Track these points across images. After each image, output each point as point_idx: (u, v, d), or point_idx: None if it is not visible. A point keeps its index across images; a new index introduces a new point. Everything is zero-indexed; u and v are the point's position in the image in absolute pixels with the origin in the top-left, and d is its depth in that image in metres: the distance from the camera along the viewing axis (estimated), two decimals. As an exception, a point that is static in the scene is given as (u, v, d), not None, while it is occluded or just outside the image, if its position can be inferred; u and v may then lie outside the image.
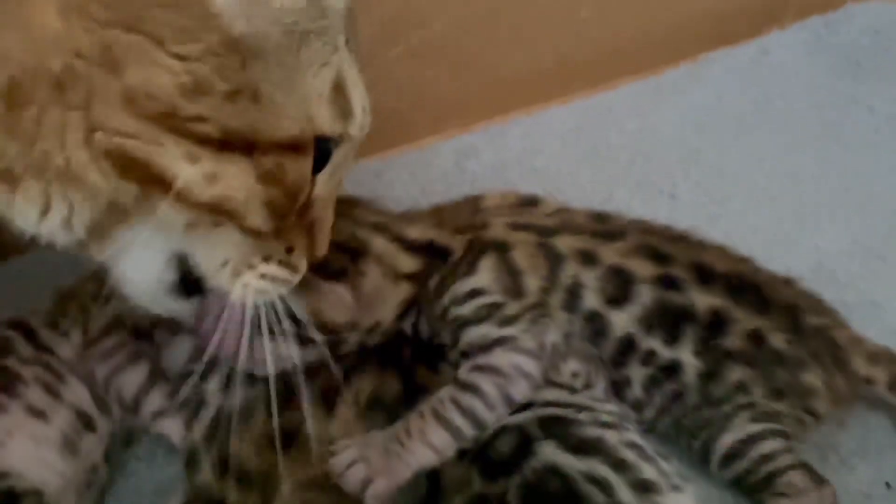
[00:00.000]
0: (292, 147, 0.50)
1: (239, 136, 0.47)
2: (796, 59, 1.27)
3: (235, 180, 0.48)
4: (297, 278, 0.57)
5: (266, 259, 0.53)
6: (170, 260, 0.54)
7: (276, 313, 0.57)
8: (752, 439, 0.68)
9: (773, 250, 0.84)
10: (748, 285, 0.73)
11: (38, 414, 0.68)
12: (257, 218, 0.50)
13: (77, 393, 0.71)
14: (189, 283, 0.54)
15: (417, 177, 1.07)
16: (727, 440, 0.69)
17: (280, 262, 0.54)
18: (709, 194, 1.03)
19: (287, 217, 0.52)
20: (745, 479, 0.69)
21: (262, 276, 0.54)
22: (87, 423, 0.71)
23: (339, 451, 0.63)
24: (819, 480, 0.67)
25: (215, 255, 0.53)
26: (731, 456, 0.69)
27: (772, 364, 0.70)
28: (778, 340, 0.70)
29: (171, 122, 0.46)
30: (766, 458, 0.68)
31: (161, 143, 0.46)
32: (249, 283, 0.53)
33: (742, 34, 1.31)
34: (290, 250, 0.55)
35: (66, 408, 0.70)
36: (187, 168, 0.46)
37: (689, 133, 1.14)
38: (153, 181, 0.47)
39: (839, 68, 1.25)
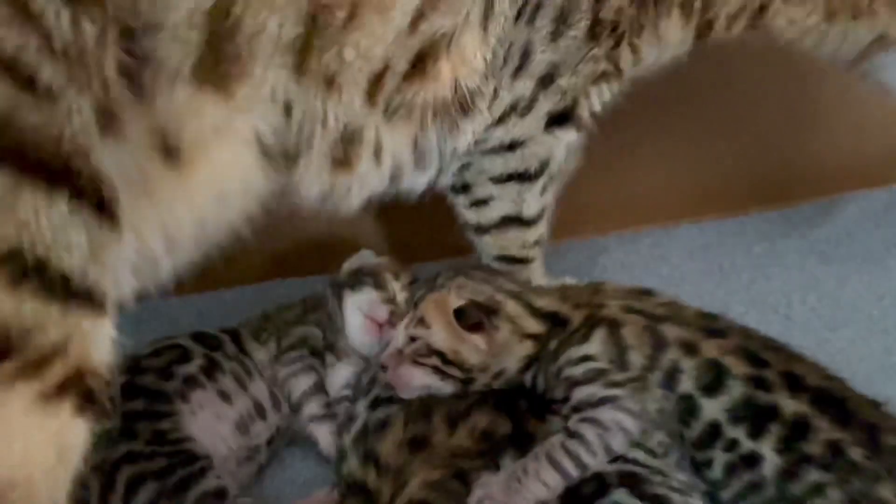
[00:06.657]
0: None
1: None
2: (932, 206, 1.31)
3: None
4: None
5: None
6: None
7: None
8: None
9: (875, 377, 0.89)
10: (834, 400, 0.80)
11: (225, 397, 0.89)
12: None
13: (260, 388, 0.92)
14: None
15: (552, 267, 1.20)
16: None
17: None
18: (822, 320, 1.10)
19: None
20: None
21: None
22: (260, 412, 0.90)
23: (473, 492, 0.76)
24: None
25: None
26: None
27: (849, 473, 0.76)
28: (856, 453, 0.76)
29: None
30: None
31: None
32: None
33: (880, 178, 1.36)
34: None
35: (248, 397, 0.90)
36: None
37: (813, 262, 1.21)
38: None
39: (975, 218, 1.27)
